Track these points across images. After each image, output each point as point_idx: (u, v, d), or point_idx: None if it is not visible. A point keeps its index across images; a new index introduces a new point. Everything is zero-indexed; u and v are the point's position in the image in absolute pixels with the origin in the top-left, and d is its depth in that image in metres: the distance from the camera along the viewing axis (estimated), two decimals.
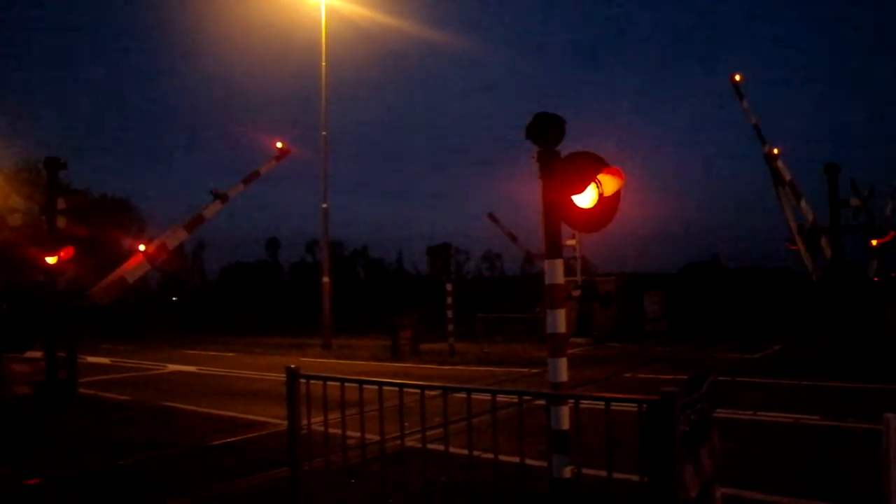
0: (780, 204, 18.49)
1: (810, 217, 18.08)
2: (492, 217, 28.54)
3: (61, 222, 12.37)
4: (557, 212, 5.23)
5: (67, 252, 12.32)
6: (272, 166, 19.17)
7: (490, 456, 4.47)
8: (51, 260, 12.14)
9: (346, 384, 5.16)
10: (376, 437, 5.06)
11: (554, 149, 5.24)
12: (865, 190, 19.24)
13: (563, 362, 5.25)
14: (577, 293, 26.31)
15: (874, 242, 19.04)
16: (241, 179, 17.79)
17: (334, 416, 5.27)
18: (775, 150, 18.20)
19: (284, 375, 5.45)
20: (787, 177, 18.03)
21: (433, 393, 4.88)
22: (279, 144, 19.30)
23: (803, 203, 18.04)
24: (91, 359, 22.13)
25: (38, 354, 12.50)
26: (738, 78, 18.23)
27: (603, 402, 4.04)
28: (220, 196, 16.65)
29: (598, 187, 5.07)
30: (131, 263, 14.55)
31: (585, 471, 4.45)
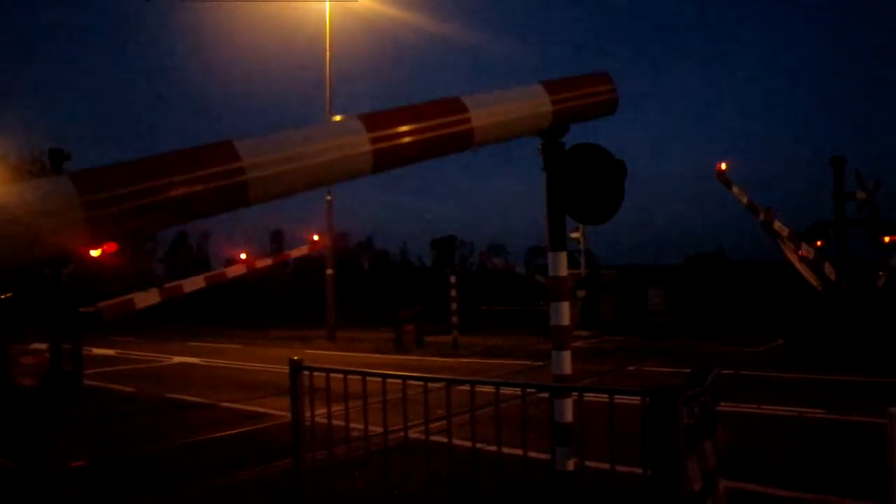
0: (783, 254, 18.68)
1: (811, 255, 18.23)
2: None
3: None
4: (561, 203, 5.22)
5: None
6: (303, 253, 20.09)
7: (493, 448, 4.46)
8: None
9: (350, 376, 5.16)
10: (379, 429, 5.07)
11: (558, 141, 5.22)
12: (871, 183, 19.14)
13: (566, 355, 5.24)
14: (581, 293, 26.29)
15: (887, 239, 18.89)
16: (272, 255, 18.35)
17: (338, 407, 5.27)
18: (770, 211, 18.58)
19: (288, 367, 5.46)
20: (785, 232, 18.26)
21: (436, 385, 4.88)
22: (315, 237, 20.32)
23: (804, 246, 18.26)
24: (96, 350, 22.20)
25: (43, 346, 12.54)
26: (723, 167, 18.36)
27: (606, 395, 4.03)
28: (247, 262, 17.15)
29: (599, 179, 5.05)
30: (147, 294, 14.64)
31: (588, 463, 4.44)
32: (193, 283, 16.09)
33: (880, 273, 18.91)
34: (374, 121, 2.66)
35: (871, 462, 7.24)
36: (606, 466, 4.07)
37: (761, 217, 18.16)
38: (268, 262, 17.77)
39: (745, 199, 18.01)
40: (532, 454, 4.47)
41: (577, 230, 26.08)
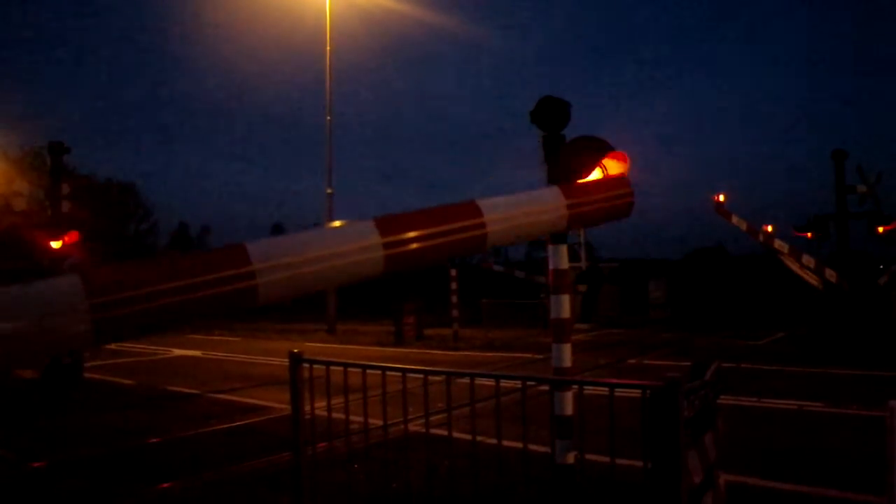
0: (787, 266, 18.99)
1: (813, 264, 18.46)
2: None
3: (65, 207, 12.38)
4: None
5: (72, 237, 12.32)
6: None
7: (493, 441, 4.46)
8: (55, 244, 12.16)
9: (350, 369, 5.15)
10: (379, 422, 5.06)
11: (559, 133, 5.20)
12: (872, 176, 19.11)
13: (567, 348, 5.23)
14: (582, 288, 26.30)
15: (881, 229, 18.95)
16: None
17: (337, 400, 5.26)
18: (769, 228, 18.95)
19: (288, 360, 5.45)
20: (786, 249, 18.52)
21: (437, 378, 4.87)
22: None
23: (805, 257, 18.51)
24: None
25: None
26: (721, 199, 18.61)
27: (607, 388, 4.02)
28: None
29: (603, 172, 5.03)
30: None
31: (589, 456, 4.44)
32: None
33: (881, 267, 18.94)
34: (388, 225, 2.67)
35: (871, 455, 7.25)
36: (607, 459, 4.07)
37: (761, 238, 18.55)
38: None
39: (744, 226, 18.51)
40: (532, 447, 4.46)
41: None
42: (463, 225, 2.88)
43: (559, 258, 5.30)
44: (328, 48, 28.40)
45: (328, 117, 28.41)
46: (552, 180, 5.22)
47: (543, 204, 3.22)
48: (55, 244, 12.17)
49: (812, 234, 19.52)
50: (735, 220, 18.44)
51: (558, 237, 5.29)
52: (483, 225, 2.94)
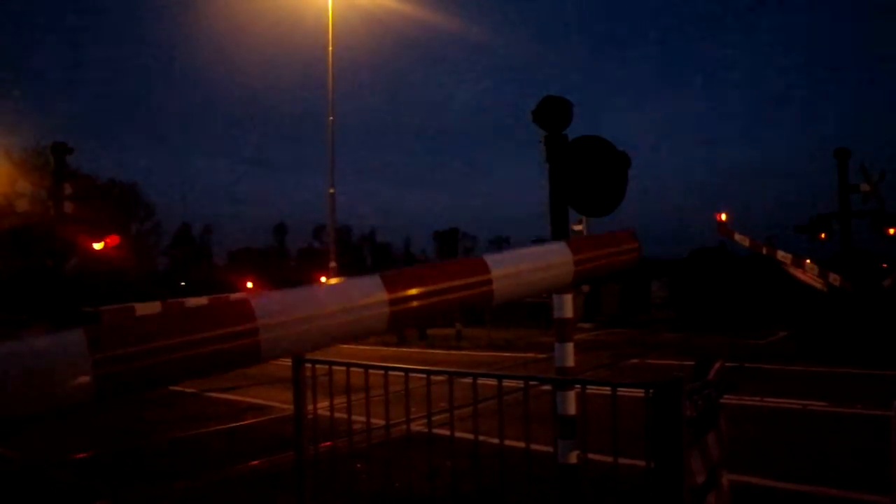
0: (791, 274, 19.17)
1: (816, 271, 18.61)
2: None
3: (68, 207, 12.40)
4: (564, 195, 5.20)
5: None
6: None
7: (496, 441, 4.45)
8: (97, 246, 12.31)
9: (352, 369, 5.15)
10: (382, 422, 5.05)
11: (561, 133, 5.20)
12: (875, 174, 19.08)
13: (569, 347, 5.23)
14: (586, 288, 26.30)
15: (892, 231, 18.91)
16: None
17: (340, 400, 5.26)
18: (771, 245, 19.25)
19: (290, 360, 5.45)
20: (788, 260, 18.80)
21: (439, 378, 4.86)
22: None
23: (808, 264, 18.76)
24: None
25: None
26: (723, 218, 18.81)
27: (609, 388, 4.01)
28: (252, 292, 17.72)
29: (603, 171, 5.03)
30: (148, 305, 14.70)
31: (591, 456, 4.43)
32: (198, 302, 16.23)
33: (884, 266, 18.90)
34: (394, 281, 2.67)
35: (875, 454, 7.23)
36: (609, 459, 4.06)
37: (764, 252, 18.70)
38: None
39: (746, 242, 18.65)
40: (535, 447, 4.46)
41: (580, 222, 26.04)
42: (470, 281, 2.89)
43: None
44: (330, 48, 28.41)
45: (330, 117, 28.40)
46: (554, 180, 5.22)
47: (551, 259, 3.23)
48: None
49: (814, 233, 19.50)
50: (738, 237, 18.67)
51: (560, 236, 5.29)
52: (490, 281, 2.96)
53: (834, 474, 6.48)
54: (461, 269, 2.92)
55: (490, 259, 3.00)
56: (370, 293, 2.59)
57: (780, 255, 18.49)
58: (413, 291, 2.68)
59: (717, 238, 21.12)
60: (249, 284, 17.54)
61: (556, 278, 3.28)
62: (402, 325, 2.77)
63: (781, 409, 9.63)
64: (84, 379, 2.02)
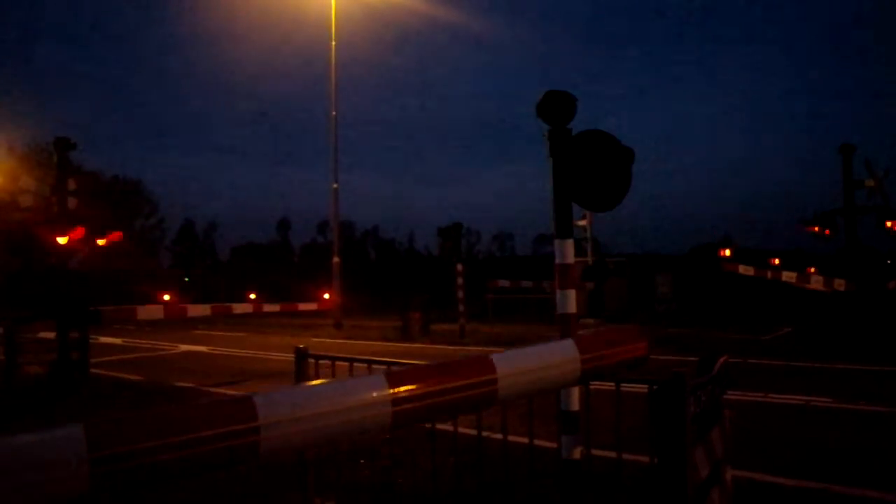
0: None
1: (821, 283, 18.90)
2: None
3: (72, 203, 12.39)
4: (568, 191, 5.18)
5: (77, 233, 12.37)
6: (311, 307, 21.66)
7: (499, 437, 4.45)
8: (62, 240, 12.20)
9: (356, 364, 5.15)
10: None
11: (565, 127, 5.18)
12: (880, 170, 19.02)
13: None
14: (590, 285, 26.27)
15: (889, 224, 18.88)
16: (280, 303, 20.32)
17: None
18: (776, 261, 19.78)
19: (294, 355, 5.45)
20: (793, 278, 19.64)
21: None
22: (326, 296, 21.36)
23: (813, 275, 19.33)
24: (103, 339, 22.27)
25: (51, 335, 12.58)
26: (727, 253, 19.32)
27: (613, 383, 4.01)
28: (255, 304, 17.80)
29: (607, 166, 5.01)
30: (150, 308, 14.73)
31: (595, 452, 4.43)
32: (199, 310, 16.26)
33: (889, 262, 18.89)
34: (399, 380, 2.66)
35: (879, 451, 7.22)
36: (613, 455, 4.06)
37: (769, 276, 18.94)
38: (275, 308, 18.39)
39: (752, 272, 18.88)
40: (538, 442, 4.46)
41: (584, 218, 26.03)
42: (474, 381, 2.89)
43: (565, 253, 5.28)
44: (333, 42, 28.39)
45: (333, 112, 28.42)
46: (558, 175, 5.20)
47: (558, 358, 3.23)
48: (61, 240, 12.22)
49: (819, 229, 19.48)
50: (742, 269, 18.97)
51: (564, 231, 5.28)
52: (495, 381, 2.95)
53: (837, 470, 6.47)
54: (467, 368, 2.93)
55: (497, 358, 3.01)
56: (374, 392, 2.58)
57: (786, 276, 18.74)
58: (417, 392, 2.67)
59: (721, 232, 21.34)
60: (252, 296, 17.56)
61: (562, 377, 3.30)
62: (404, 424, 2.76)
63: (785, 405, 9.61)
64: (81, 477, 2.00)
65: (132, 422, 2.16)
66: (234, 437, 2.26)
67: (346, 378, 2.80)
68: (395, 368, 2.73)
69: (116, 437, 2.08)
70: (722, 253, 18.83)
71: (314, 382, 2.66)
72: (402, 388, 2.62)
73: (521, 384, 3.09)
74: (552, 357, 3.24)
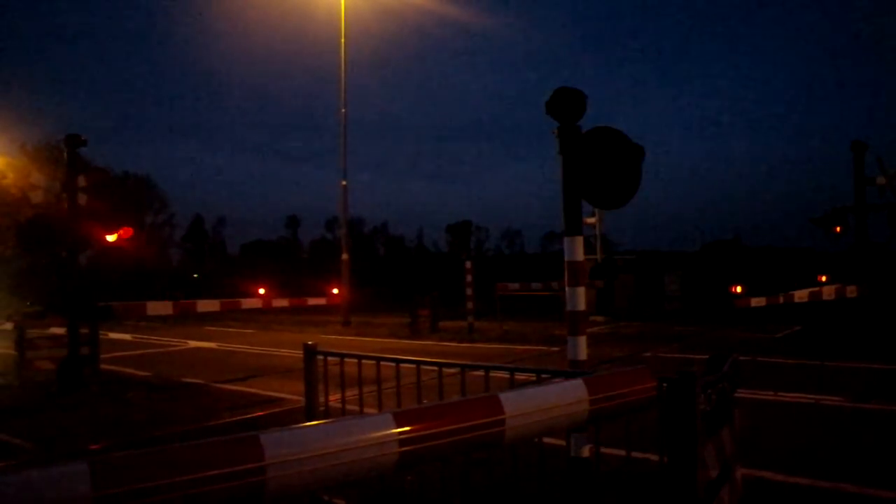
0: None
1: (833, 294, 19.06)
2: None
3: (82, 199, 12.43)
4: (578, 188, 5.17)
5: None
6: (321, 302, 22.10)
7: None
8: (111, 238, 12.38)
9: (364, 361, 5.15)
10: None
11: (575, 124, 5.16)
12: (892, 168, 18.89)
13: (582, 340, 5.20)
14: (599, 284, 26.22)
15: None
16: (290, 298, 20.35)
17: (352, 392, 5.26)
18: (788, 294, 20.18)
19: (302, 352, 5.46)
20: (805, 296, 19.63)
21: (451, 370, 4.85)
22: (335, 290, 21.46)
23: (826, 291, 19.46)
24: (113, 335, 22.38)
25: (61, 331, 12.64)
26: (738, 290, 19.77)
27: None
28: (264, 298, 17.97)
29: (617, 164, 4.99)
30: (159, 304, 14.76)
31: (604, 450, 4.41)
32: (209, 305, 16.28)
33: None
34: (406, 419, 2.65)
35: (892, 450, 7.18)
36: (622, 453, 4.04)
37: (781, 300, 19.02)
38: (284, 302, 18.52)
39: (763, 303, 19.03)
40: (547, 440, 4.44)
41: (593, 215, 25.97)
42: (483, 422, 2.88)
43: (574, 250, 5.26)
44: (342, 40, 28.40)
45: (343, 109, 28.43)
46: (568, 173, 5.19)
47: (567, 399, 3.23)
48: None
49: (829, 226, 19.37)
50: (754, 301, 19.07)
51: (573, 229, 5.26)
52: (503, 422, 2.95)
53: (848, 469, 6.43)
54: (475, 408, 2.92)
55: (504, 397, 3.00)
56: (380, 431, 2.58)
57: (798, 295, 18.69)
58: (424, 432, 2.66)
59: (731, 230, 21.29)
60: (262, 290, 17.64)
61: (570, 417, 3.29)
62: (409, 465, 2.75)
63: (795, 404, 9.56)
64: None
65: (137, 459, 2.15)
66: (242, 476, 2.26)
67: (352, 417, 2.79)
68: (401, 410, 2.72)
69: (121, 474, 2.07)
70: (733, 290, 18.85)
71: (321, 422, 2.65)
72: (410, 428, 2.62)
73: (530, 424, 3.08)
74: (561, 398, 3.24)
